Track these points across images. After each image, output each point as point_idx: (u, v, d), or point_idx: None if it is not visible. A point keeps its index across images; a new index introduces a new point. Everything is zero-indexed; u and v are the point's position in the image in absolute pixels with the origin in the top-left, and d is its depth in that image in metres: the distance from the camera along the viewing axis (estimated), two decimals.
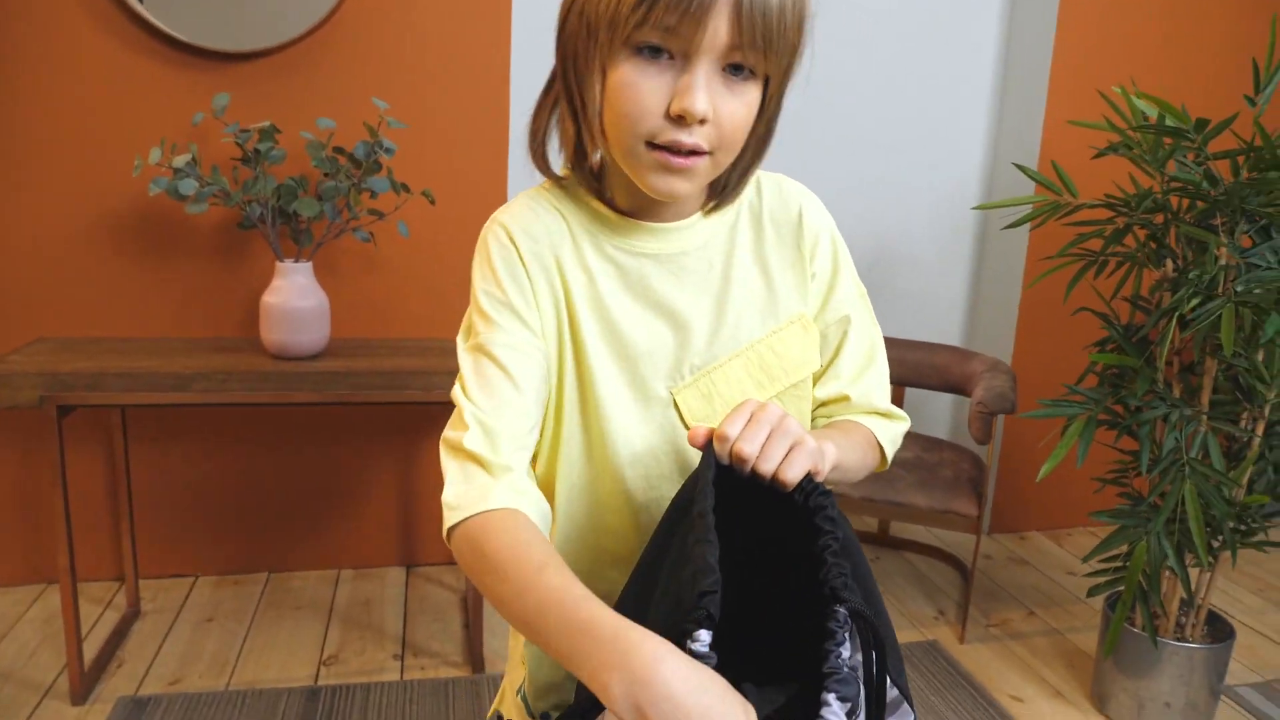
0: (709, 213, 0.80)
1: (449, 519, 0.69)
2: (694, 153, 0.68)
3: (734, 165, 0.74)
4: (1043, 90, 2.67)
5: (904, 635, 2.36)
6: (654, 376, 0.77)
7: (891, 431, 0.84)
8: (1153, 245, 1.94)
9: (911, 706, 0.67)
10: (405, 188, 1.98)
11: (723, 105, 0.67)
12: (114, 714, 1.88)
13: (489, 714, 0.91)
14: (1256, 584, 2.77)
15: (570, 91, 0.72)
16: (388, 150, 1.92)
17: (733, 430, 0.64)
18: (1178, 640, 1.96)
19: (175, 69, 2.14)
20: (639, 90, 0.66)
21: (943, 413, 3.10)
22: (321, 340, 2.00)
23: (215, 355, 2.00)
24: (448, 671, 2.10)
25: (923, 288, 2.98)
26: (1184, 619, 2.03)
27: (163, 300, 2.25)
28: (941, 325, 3.04)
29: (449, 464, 0.72)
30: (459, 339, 0.77)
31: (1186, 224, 1.82)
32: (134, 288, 2.24)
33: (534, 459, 0.80)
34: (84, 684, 1.92)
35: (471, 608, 2.26)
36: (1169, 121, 1.74)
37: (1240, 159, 1.72)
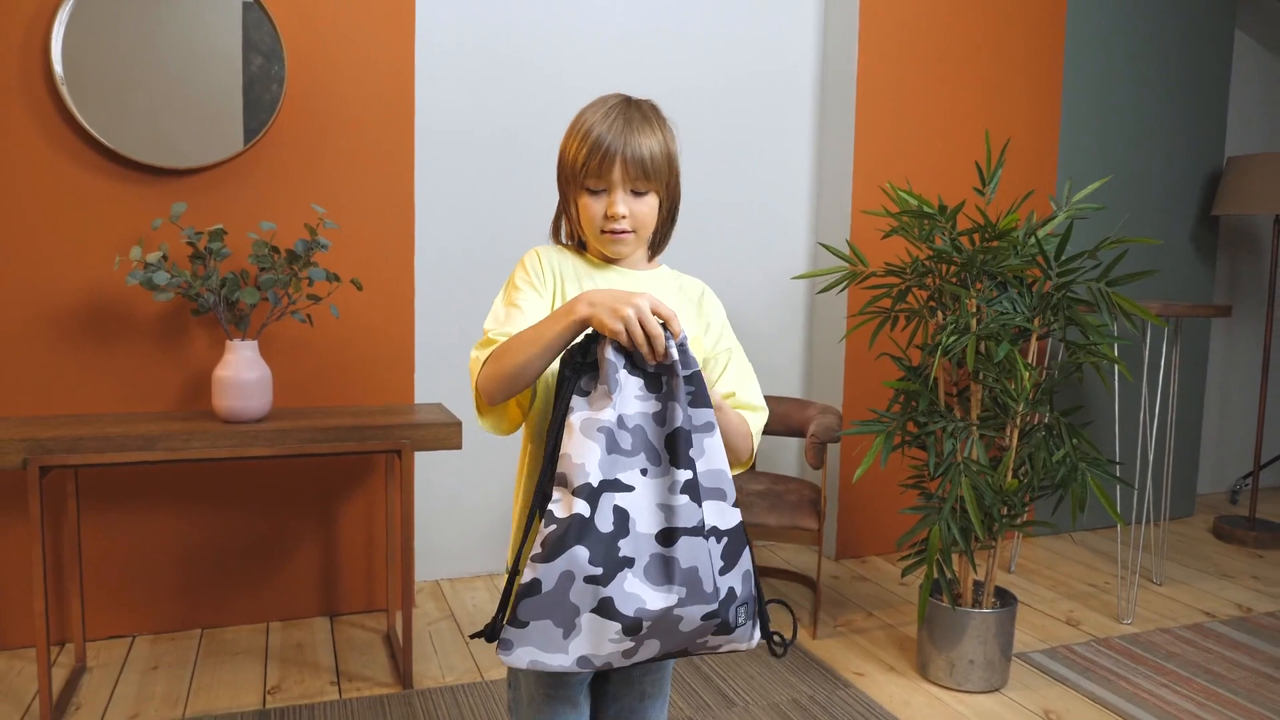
0: (651, 260, 1.39)
1: (477, 365, 1.22)
2: (624, 231, 1.28)
3: (654, 235, 1.35)
4: (848, 187, 3.34)
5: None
6: None
7: (758, 423, 1.35)
8: (931, 304, 2.54)
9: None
10: (336, 277, 2.39)
11: (634, 207, 1.28)
12: None
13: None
14: (1049, 581, 3.38)
15: (566, 207, 1.34)
16: (323, 246, 2.34)
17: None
18: (975, 609, 2.49)
19: (128, 184, 2.51)
20: (592, 208, 1.29)
21: (788, 454, 3.65)
22: (266, 406, 2.36)
23: (171, 423, 2.32)
24: (381, 690, 2.42)
25: (765, 352, 3.56)
26: (979, 596, 2.56)
27: (110, 380, 2.56)
28: (784, 383, 3.61)
29: (477, 353, 1.24)
30: (497, 301, 1.31)
31: (950, 284, 2.42)
32: (83, 371, 2.54)
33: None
34: None
35: (400, 639, 2.58)
36: (924, 208, 2.35)
37: (975, 235, 2.34)
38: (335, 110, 2.71)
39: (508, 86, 3.12)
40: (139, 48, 2.47)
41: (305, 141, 2.68)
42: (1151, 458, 2.99)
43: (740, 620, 1.14)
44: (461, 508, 3.21)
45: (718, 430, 1.14)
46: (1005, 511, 2.45)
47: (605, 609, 1.06)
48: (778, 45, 3.47)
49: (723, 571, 1.12)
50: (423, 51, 2.98)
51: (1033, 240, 2.33)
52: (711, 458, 1.13)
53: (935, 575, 2.38)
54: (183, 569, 2.72)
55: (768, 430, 3.14)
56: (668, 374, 1.13)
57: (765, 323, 3.54)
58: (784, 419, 3.13)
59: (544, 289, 1.30)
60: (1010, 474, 2.43)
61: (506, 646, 1.08)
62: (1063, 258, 2.31)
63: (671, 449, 1.11)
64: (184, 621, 2.74)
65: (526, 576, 1.06)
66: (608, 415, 1.10)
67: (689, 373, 1.13)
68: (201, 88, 2.53)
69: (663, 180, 1.29)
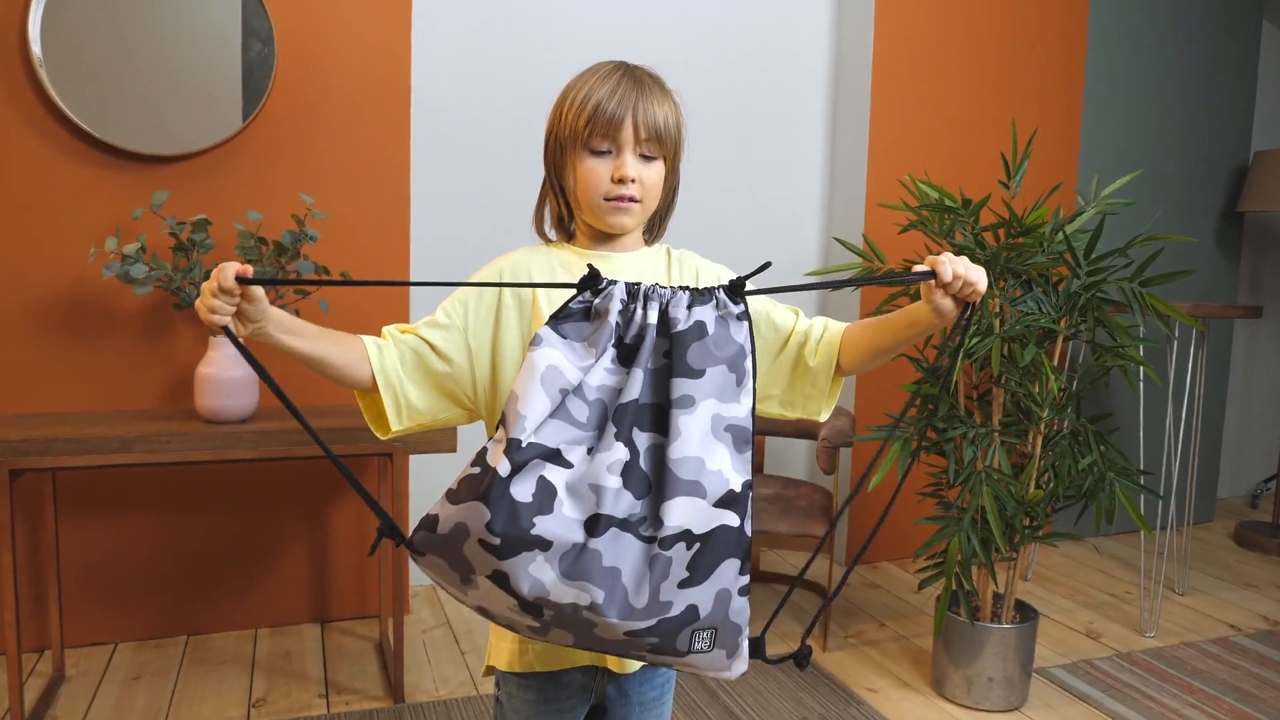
0: (650, 243, 1.24)
1: None
2: (631, 199, 1.13)
3: (655, 212, 1.22)
4: (862, 177, 3.21)
5: (775, 648, 2.70)
6: None
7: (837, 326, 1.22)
8: None
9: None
10: (326, 270, 2.27)
11: (643, 172, 1.14)
12: None
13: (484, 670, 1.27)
14: (1067, 590, 3.26)
15: (555, 183, 1.19)
16: (311, 238, 2.22)
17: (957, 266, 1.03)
18: (994, 624, 2.37)
19: (110, 171, 2.39)
20: (597, 172, 1.14)
21: (798, 457, 3.52)
22: (251, 406, 2.24)
23: (151, 422, 2.21)
24: (370, 704, 2.31)
25: None
26: (998, 609, 2.44)
27: (90, 377, 2.45)
28: None
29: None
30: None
31: None
32: (61, 367, 2.43)
33: None
34: None
35: (392, 648, 2.48)
36: (946, 202, 2.22)
37: (1000, 231, 2.21)
38: (328, 92, 2.59)
39: (509, 67, 3.00)
40: (122, 28, 2.35)
41: (296, 126, 2.56)
42: (1177, 465, 2.86)
43: (700, 646, 0.95)
44: None
45: (700, 407, 0.96)
46: (1028, 522, 2.33)
47: (500, 580, 0.92)
48: (789, 26, 3.34)
49: (684, 584, 0.93)
50: (420, 30, 2.85)
51: (1060, 236, 2.21)
52: (687, 440, 0.94)
53: (953, 588, 2.26)
54: (167, 573, 2.61)
55: (776, 431, 3.02)
56: (641, 341, 0.98)
57: None
58: (794, 421, 3.01)
59: (475, 318, 1.15)
60: (1033, 483, 2.30)
61: (415, 556, 0.98)
62: (1092, 256, 2.19)
63: (618, 421, 0.96)
64: (168, 628, 2.63)
65: (433, 507, 0.95)
66: (575, 378, 0.96)
67: (678, 329, 0.98)
68: (188, 70, 2.41)
69: (672, 149, 1.17)
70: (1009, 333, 2.14)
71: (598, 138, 1.12)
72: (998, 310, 2.24)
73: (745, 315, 1.01)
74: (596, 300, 1.00)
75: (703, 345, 0.98)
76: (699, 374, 0.97)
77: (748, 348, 1.00)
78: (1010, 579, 2.40)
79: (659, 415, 0.97)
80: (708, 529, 0.94)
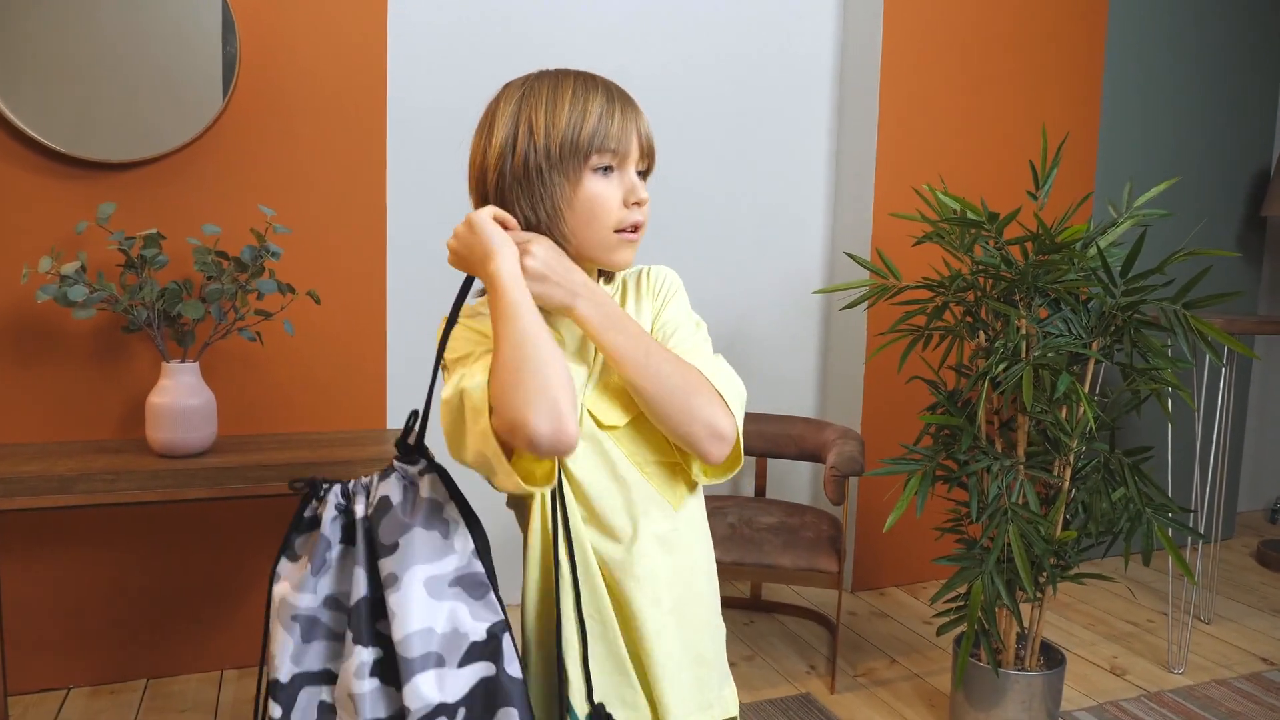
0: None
1: None
2: (640, 224, 1.00)
3: None
4: (870, 185, 3.01)
5: (779, 690, 2.51)
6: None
7: (726, 383, 0.99)
8: (969, 319, 2.23)
9: None
10: (291, 289, 2.08)
11: (646, 194, 1.02)
12: None
13: None
14: (1088, 619, 3.08)
15: (526, 216, 0.98)
16: (274, 254, 2.02)
17: None
18: (1018, 670, 2.19)
19: (54, 179, 2.19)
20: (607, 196, 0.97)
21: (802, 480, 3.33)
22: (209, 438, 2.05)
23: (97, 457, 2.02)
24: None
25: (776, 365, 3.24)
26: (1022, 651, 2.26)
27: (34, 405, 2.25)
28: (796, 399, 3.29)
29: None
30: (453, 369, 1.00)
31: (993, 300, 2.11)
32: (3, 394, 2.22)
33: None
34: None
35: None
36: (969, 215, 2.04)
37: (1028, 245, 2.03)
38: (296, 94, 2.39)
39: (494, 62, 2.80)
40: (68, 20, 2.15)
41: (260, 129, 2.36)
42: (1209, 490, 2.68)
43: None
44: None
45: (405, 579, 0.91)
46: (1055, 562, 2.14)
47: None
48: (792, 22, 3.14)
49: None
50: (396, 22, 2.65)
51: (1093, 251, 2.02)
52: (405, 618, 0.90)
53: (976, 634, 2.08)
54: (123, 611, 2.41)
55: (778, 453, 2.83)
56: (356, 537, 0.97)
57: (774, 333, 3.22)
58: (798, 442, 2.82)
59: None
60: (1062, 519, 2.12)
61: None
62: (1130, 274, 2.00)
63: (354, 624, 0.94)
64: (126, 671, 2.44)
65: None
66: (305, 600, 0.96)
67: (369, 513, 0.96)
68: (145, 67, 2.21)
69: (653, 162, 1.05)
70: (1039, 359, 1.95)
71: (607, 152, 0.96)
72: (1023, 332, 2.05)
73: (431, 468, 0.97)
74: (307, 512, 0.99)
75: (390, 517, 0.94)
76: (393, 548, 0.93)
77: (444, 496, 0.96)
78: (1036, 619, 2.22)
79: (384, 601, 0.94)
80: (464, 692, 0.91)
